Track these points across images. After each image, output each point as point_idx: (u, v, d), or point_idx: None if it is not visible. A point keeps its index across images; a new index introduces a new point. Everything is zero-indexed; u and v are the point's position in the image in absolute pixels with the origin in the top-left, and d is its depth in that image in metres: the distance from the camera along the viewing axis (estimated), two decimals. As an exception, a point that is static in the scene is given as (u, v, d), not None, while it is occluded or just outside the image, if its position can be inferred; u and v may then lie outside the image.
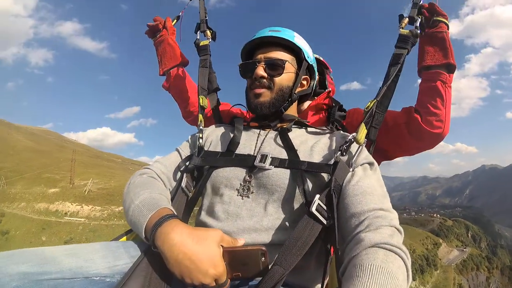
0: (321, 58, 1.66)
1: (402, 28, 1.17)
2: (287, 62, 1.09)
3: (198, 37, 1.46)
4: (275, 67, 1.08)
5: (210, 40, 1.45)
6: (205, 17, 1.48)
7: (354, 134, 0.94)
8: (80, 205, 72.11)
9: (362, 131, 0.95)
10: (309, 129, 1.12)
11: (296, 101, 1.19)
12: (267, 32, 1.12)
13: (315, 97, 1.49)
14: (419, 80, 1.29)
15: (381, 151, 1.35)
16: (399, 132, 1.28)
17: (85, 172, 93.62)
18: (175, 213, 0.81)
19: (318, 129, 1.11)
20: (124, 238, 0.95)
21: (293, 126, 1.11)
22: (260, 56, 1.11)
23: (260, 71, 1.07)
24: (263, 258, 0.71)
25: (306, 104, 1.52)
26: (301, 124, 1.14)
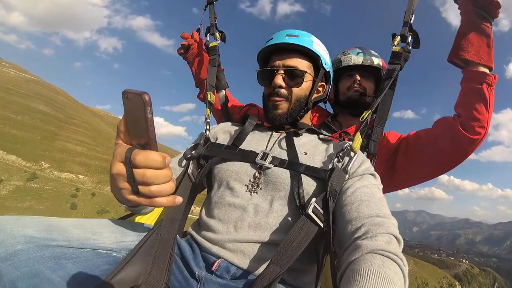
0: (383, 64, 1.52)
1: (395, 46, 1.21)
2: (306, 73, 1.06)
3: (208, 39, 1.52)
4: (294, 77, 1.05)
5: (219, 41, 1.50)
6: (215, 21, 1.53)
7: (350, 142, 0.96)
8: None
9: (358, 140, 0.96)
10: (321, 136, 1.11)
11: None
12: (285, 37, 1.08)
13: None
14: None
15: (417, 173, 1.33)
16: (439, 147, 1.23)
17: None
18: None
19: (329, 136, 1.12)
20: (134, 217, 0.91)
21: (305, 132, 1.11)
22: (278, 63, 1.07)
23: (279, 80, 1.04)
24: (127, 96, 0.48)
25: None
26: (314, 131, 1.14)
